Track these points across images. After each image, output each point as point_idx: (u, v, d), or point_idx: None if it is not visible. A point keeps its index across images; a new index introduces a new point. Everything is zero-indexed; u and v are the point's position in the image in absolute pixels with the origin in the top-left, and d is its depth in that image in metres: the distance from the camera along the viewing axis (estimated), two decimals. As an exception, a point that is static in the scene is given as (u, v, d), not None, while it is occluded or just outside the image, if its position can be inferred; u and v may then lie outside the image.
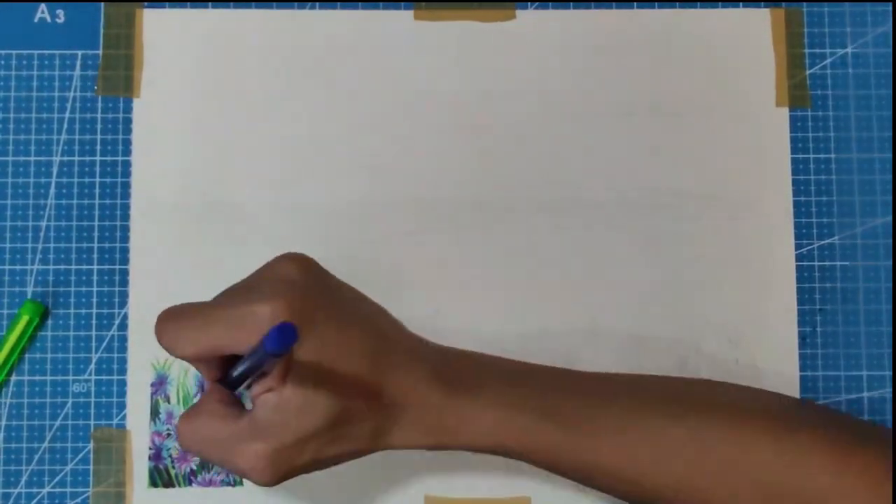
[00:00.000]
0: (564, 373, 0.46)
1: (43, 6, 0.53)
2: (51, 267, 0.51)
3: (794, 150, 0.53)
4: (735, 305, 0.52)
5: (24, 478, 0.50)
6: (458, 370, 0.43)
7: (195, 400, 0.50)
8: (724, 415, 0.43)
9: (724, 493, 0.42)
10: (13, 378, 0.51)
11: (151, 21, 0.53)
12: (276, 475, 0.40)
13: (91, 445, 0.50)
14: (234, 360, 0.41)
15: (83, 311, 0.51)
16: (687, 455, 0.42)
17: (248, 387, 0.40)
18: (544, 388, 0.44)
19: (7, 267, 0.51)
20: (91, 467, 0.50)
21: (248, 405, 0.41)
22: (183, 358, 0.41)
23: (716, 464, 0.42)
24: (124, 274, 0.51)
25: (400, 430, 0.42)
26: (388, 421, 0.41)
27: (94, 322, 0.51)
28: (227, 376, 0.41)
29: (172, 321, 0.41)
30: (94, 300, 0.51)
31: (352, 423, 0.40)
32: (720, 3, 0.54)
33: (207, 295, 0.51)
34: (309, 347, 0.39)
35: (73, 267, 0.52)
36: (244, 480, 0.50)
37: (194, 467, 0.51)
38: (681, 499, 0.43)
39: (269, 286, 0.40)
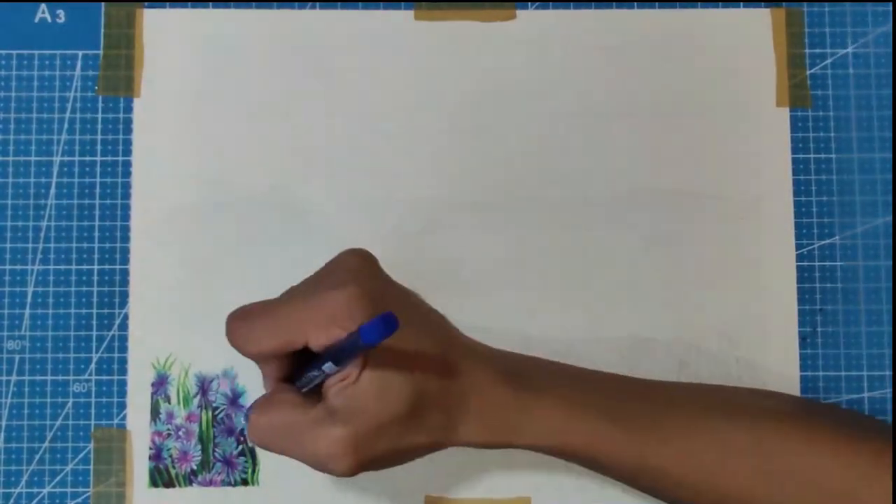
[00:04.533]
0: (627, 378, 0.46)
1: (43, 6, 0.53)
2: (51, 267, 0.51)
3: (794, 150, 0.53)
4: (735, 305, 0.52)
5: (25, 478, 0.50)
6: (523, 371, 0.44)
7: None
8: (787, 423, 0.43)
9: (790, 502, 0.42)
10: (14, 378, 0.51)
11: (152, 21, 0.53)
12: (356, 462, 0.39)
13: (91, 445, 0.51)
14: (300, 360, 0.41)
15: (83, 310, 0.51)
16: (752, 462, 0.42)
17: (320, 383, 0.40)
18: (609, 391, 0.44)
19: (7, 267, 0.51)
20: (91, 467, 0.50)
21: None
22: (254, 356, 0.41)
23: (781, 472, 0.42)
24: (124, 274, 0.52)
25: (466, 426, 0.42)
26: (458, 415, 0.41)
27: (94, 322, 0.51)
28: (295, 375, 0.41)
29: (244, 319, 0.41)
30: (95, 300, 0.51)
31: (428, 411, 0.40)
32: (720, 3, 0.54)
33: (208, 294, 0.51)
34: None
35: (74, 267, 0.52)
36: (244, 481, 0.50)
37: (194, 467, 0.51)
38: None
39: (339, 276, 0.40)
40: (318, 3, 0.54)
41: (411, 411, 0.40)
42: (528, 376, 0.43)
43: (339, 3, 0.54)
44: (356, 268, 0.41)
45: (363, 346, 0.36)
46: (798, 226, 0.53)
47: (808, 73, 0.54)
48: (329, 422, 0.39)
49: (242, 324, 0.41)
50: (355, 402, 0.39)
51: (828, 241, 0.53)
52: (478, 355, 0.43)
